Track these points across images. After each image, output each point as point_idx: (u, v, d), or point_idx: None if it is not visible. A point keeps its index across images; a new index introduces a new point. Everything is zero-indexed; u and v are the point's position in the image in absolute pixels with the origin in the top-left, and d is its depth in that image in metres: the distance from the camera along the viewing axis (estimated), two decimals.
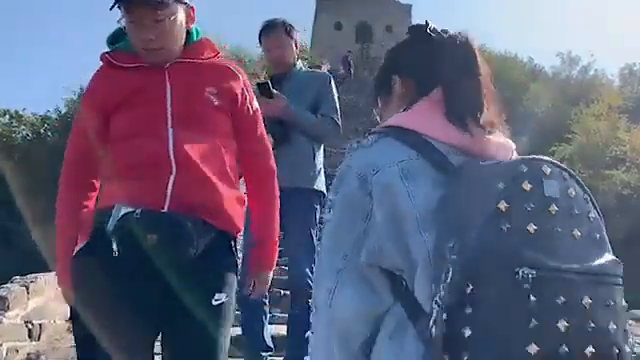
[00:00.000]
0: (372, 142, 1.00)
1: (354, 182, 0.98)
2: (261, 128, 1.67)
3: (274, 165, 1.70)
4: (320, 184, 2.82)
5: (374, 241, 0.95)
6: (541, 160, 0.91)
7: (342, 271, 0.97)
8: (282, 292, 4.56)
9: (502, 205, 0.84)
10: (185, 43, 1.55)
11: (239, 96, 1.58)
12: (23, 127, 17.09)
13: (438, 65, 1.03)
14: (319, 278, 1.01)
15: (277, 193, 1.70)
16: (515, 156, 1.04)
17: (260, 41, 2.87)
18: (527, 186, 0.86)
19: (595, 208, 0.94)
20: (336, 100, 2.85)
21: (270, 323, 3.02)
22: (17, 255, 11.11)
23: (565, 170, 0.93)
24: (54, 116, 17.73)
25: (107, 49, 1.58)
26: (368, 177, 0.96)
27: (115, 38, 1.58)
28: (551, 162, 0.92)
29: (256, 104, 1.65)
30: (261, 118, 1.67)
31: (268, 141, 1.71)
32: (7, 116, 17.71)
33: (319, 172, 2.80)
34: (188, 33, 1.56)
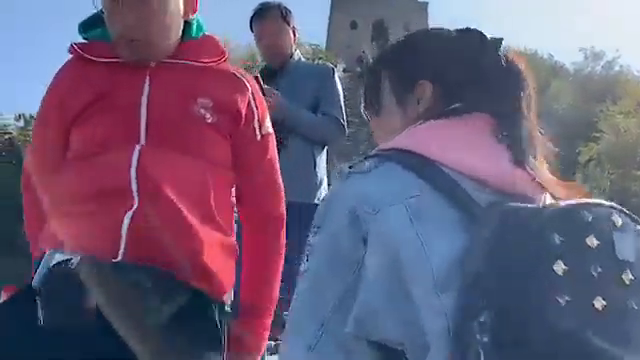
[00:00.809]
0: (371, 168, 0.78)
1: (342, 220, 0.76)
2: (271, 159, 1.27)
3: (283, 211, 1.28)
4: (322, 197, 2.41)
5: (364, 304, 0.74)
6: (609, 207, 0.72)
7: (315, 348, 0.75)
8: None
9: (559, 267, 0.65)
10: (181, 38, 1.18)
11: (243, 113, 1.19)
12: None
13: (488, 80, 0.82)
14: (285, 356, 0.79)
15: (282, 249, 1.27)
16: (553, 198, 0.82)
17: (252, 28, 2.44)
18: (593, 242, 0.68)
19: None
20: (340, 96, 2.44)
21: None
22: (24, 260, 11.20)
23: (638, 222, 0.74)
24: None
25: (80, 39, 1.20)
26: (363, 216, 0.74)
27: (90, 25, 1.21)
28: (620, 210, 0.74)
29: (268, 126, 1.25)
30: (274, 145, 1.28)
31: (280, 178, 1.29)
32: (22, 120, 17.77)
33: (320, 183, 2.40)
34: (187, 25, 1.19)
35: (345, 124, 2.42)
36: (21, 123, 17.69)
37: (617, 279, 0.69)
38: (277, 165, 1.29)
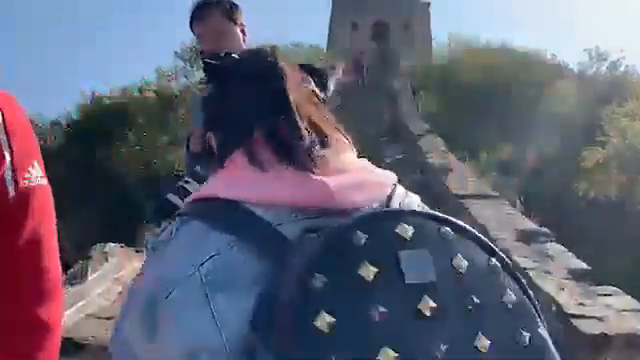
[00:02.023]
0: (171, 234, 0.67)
1: (135, 316, 0.64)
2: (37, 230, 0.85)
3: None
4: None
5: None
6: (396, 214, 0.61)
7: None
8: None
9: (323, 322, 0.53)
10: None
11: None
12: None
13: (230, 102, 0.75)
14: None
15: None
16: (400, 193, 0.72)
17: (192, 30, 2.04)
18: (368, 273, 0.56)
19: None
20: None
21: None
22: None
23: (448, 222, 0.63)
24: (64, 122, 17.45)
25: None
26: (158, 304, 0.62)
27: None
28: (417, 213, 0.63)
29: (38, 174, 0.87)
30: (47, 205, 0.89)
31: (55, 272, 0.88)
32: None
33: None
34: None
35: None
36: None
37: (411, 313, 0.55)
38: (52, 242, 0.87)
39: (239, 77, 0.75)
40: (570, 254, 4.76)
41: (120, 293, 4.93)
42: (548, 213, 8.15)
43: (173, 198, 1.70)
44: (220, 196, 0.66)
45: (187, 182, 1.74)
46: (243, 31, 2.03)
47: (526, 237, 5.17)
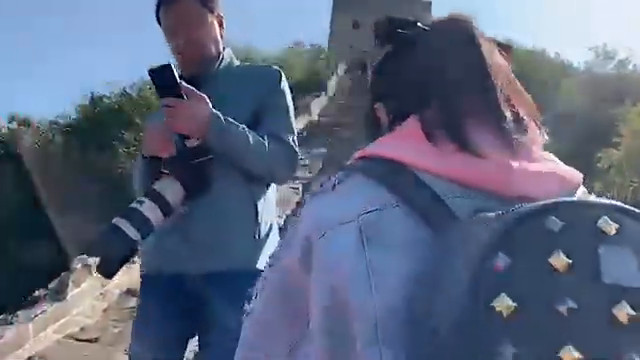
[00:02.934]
0: (335, 183, 0.68)
1: (296, 252, 0.67)
2: None
3: None
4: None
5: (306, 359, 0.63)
6: (600, 206, 0.55)
7: None
8: None
9: (503, 305, 0.49)
10: None
11: None
12: (27, 134, 16.58)
13: (425, 72, 0.70)
14: None
15: None
16: (581, 192, 0.68)
17: (159, 20, 1.61)
18: (561, 262, 0.51)
19: None
20: (291, 111, 1.63)
21: None
22: (11, 270, 10.67)
23: None
24: (62, 122, 17.27)
25: None
26: (313, 243, 0.64)
27: None
28: (621, 209, 0.56)
29: None
30: None
31: None
32: (15, 122, 17.26)
33: (266, 237, 1.56)
34: None
35: (297, 149, 1.59)
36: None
37: (603, 316, 0.50)
38: None
39: (427, 47, 0.71)
40: None
41: (105, 311, 4.49)
42: None
43: (123, 224, 1.30)
44: (387, 156, 0.65)
45: (140, 202, 1.35)
46: (221, 23, 1.64)
47: None
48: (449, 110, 0.65)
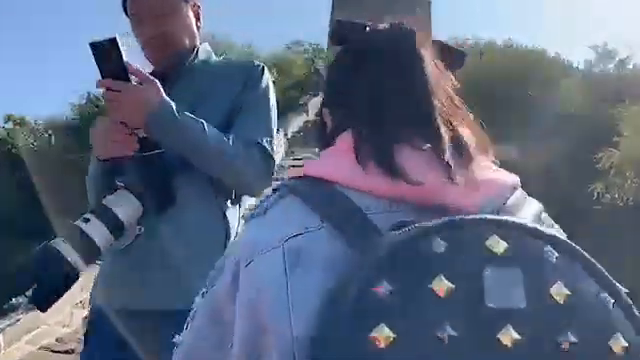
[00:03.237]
0: (267, 208, 0.68)
1: (227, 277, 0.66)
2: None
3: None
4: None
5: None
6: (489, 222, 0.55)
7: None
8: None
9: (382, 335, 0.49)
10: None
11: None
12: (24, 134, 16.48)
13: (364, 88, 0.70)
14: None
15: None
16: (521, 198, 0.66)
17: (125, 9, 1.42)
18: (442, 286, 0.51)
19: None
20: (270, 110, 1.41)
21: None
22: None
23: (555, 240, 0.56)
24: (59, 121, 17.18)
25: None
26: (240, 269, 0.64)
27: None
28: (517, 225, 0.55)
29: None
30: None
31: None
32: (10, 122, 17.17)
33: None
34: None
35: (274, 155, 1.37)
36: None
37: (487, 341, 0.48)
38: None
39: (368, 61, 0.71)
40: None
41: (86, 318, 4.33)
42: (559, 219, 7.46)
43: (61, 246, 1.10)
44: (317, 175, 0.66)
45: (85, 220, 1.14)
46: (197, 14, 1.47)
47: None
48: (380, 131, 0.65)
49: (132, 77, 1.21)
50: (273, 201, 0.67)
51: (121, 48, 1.17)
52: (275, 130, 1.41)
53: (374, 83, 0.69)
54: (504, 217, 0.56)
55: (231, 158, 1.27)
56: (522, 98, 15.68)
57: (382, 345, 0.48)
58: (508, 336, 0.48)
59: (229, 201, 1.36)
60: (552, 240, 0.54)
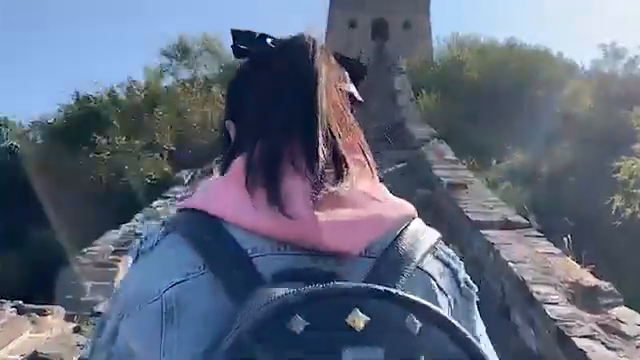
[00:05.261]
0: (154, 244, 0.63)
1: (108, 335, 0.63)
2: None
3: None
4: None
5: None
6: (361, 292, 0.53)
7: None
8: None
9: None
10: None
11: None
12: (8, 135, 15.87)
13: (256, 108, 0.69)
14: None
15: None
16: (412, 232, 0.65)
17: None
18: None
19: None
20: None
21: None
22: None
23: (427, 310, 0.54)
24: (44, 123, 16.53)
25: None
26: (121, 321, 0.61)
27: None
28: (390, 294, 0.53)
29: None
30: None
31: None
32: None
33: None
34: None
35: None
36: None
37: None
38: None
39: (270, 71, 0.70)
40: None
41: None
42: (574, 234, 6.57)
43: None
44: (203, 209, 0.63)
45: None
46: None
47: (584, 298, 3.71)
48: (268, 156, 0.63)
49: None
50: (159, 238, 0.63)
51: None
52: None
53: (263, 96, 0.68)
54: (369, 285, 0.53)
55: None
56: (525, 99, 14.96)
57: None
58: None
59: None
60: (416, 308, 0.52)
